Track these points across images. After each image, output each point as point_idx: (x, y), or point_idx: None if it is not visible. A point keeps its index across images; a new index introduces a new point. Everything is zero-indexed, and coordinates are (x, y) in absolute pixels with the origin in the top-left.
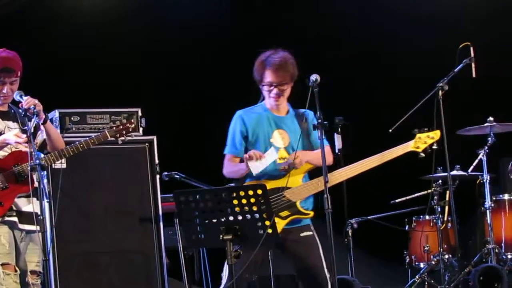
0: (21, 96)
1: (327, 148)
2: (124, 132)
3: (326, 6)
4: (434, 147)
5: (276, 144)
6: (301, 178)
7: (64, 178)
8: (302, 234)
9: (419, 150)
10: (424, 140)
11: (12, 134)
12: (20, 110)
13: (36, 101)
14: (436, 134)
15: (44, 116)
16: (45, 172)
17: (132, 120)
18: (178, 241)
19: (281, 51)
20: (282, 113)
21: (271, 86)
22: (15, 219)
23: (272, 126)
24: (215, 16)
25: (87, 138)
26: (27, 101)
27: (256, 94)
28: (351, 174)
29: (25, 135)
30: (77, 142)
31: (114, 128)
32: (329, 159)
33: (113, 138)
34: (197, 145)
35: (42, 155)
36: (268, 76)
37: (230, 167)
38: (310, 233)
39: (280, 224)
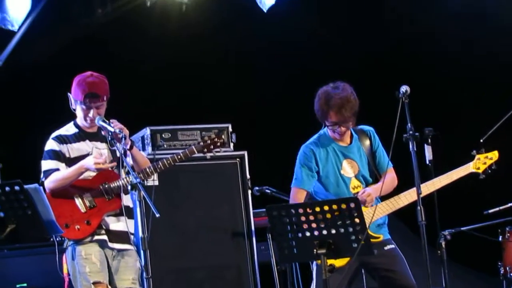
0: (103, 121)
1: (392, 174)
2: (211, 147)
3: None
4: (493, 167)
5: (346, 174)
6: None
7: (156, 195)
8: (386, 248)
9: (479, 171)
10: (483, 161)
11: (91, 157)
12: (107, 135)
13: (122, 126)
14: (494, 155)
15: (130, 142)
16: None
17: (221, 135)
18: (271, 256)
19: (340, 85)
20: (347, 141)
21: (335, 125)
22: (104, 237)
23: (340, 158)
24: (303, 33)
25: (174, 154)
26: (114, 124)
27: None
28: (416, 197)
29: (104, 156)
30: (164, 159)
31: (202, 143)
32: (394, 183)
33: (200, 153)
34: (287, 159)
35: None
36: (332, 117)
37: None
38: (393, 246)
39: None
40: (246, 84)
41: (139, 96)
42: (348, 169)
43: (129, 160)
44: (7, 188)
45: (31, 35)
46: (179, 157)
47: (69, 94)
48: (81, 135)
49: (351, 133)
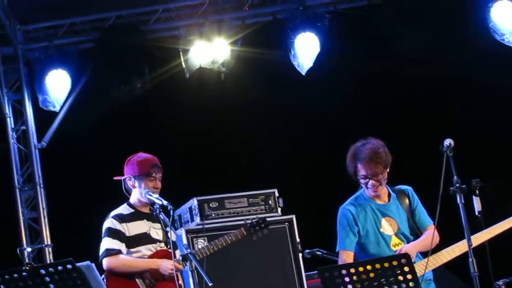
0: (150, 194)
1: (433, 230)
2: (257, 229)
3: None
4: None
5: (386, 232)
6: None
7: (208, 264)
8: None
9: None
10: None
11: (169, 262)
12: (155, 209)
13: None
14: None
15: None
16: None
17: (266, 219)
18: None
19: (371, 140)
20: (384, 199)
21: (366, 179)
22: None
23: (379, 216)
24: (341, 94)
25: (226, 236)
26: None
27: None
28: (464, 249)
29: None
30: (213, 242)
31: (248, 225)
32: (436, 240)
33: (248, 235)
34: (335, 220)
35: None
36: (361, 170)
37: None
38: None
39: None
40: (289, 148)
41: (183, 167)
42: (387, 227)
43: (178, 232)
44: (59, 267)
45: (72, 113)
46: (230, 238)
47: (124, 177)
48: (138, 215)
49: (389, 192)
